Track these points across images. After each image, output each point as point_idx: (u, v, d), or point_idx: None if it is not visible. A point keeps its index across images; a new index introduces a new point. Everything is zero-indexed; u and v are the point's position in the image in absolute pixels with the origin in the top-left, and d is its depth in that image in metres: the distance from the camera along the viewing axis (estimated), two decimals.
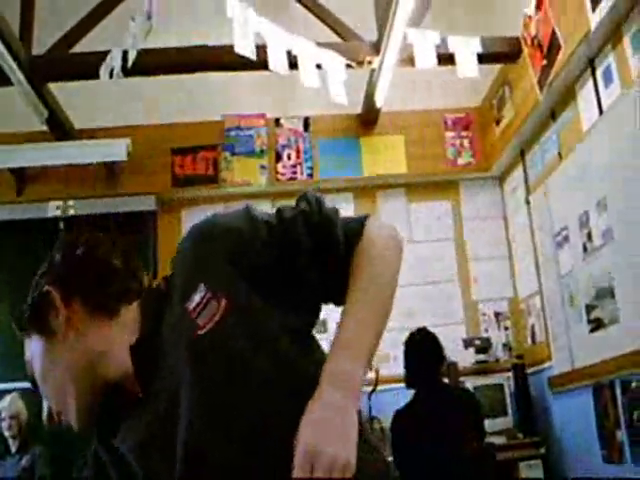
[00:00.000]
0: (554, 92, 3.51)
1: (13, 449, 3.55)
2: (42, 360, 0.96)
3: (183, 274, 0.93)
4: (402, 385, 3.06)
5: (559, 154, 3.68)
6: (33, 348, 0.97)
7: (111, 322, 0.95)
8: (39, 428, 3.62)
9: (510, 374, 4.07)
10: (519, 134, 4.02)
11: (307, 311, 0.95)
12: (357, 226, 0.94)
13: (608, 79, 3.13)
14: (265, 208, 4.23)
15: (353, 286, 0.90)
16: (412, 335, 3.05)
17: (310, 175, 4.50)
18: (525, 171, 4.22)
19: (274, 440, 0.83)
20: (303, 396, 0.81)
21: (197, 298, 0.88)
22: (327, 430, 0.76)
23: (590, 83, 3.29)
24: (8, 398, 3.59)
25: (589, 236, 3.27)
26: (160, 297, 0.95)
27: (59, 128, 4.16)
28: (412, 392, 2.98)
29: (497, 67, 4.21)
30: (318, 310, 0.98)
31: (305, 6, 3.97)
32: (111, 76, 3.19)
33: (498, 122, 4.29)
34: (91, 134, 4.29)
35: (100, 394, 0.95)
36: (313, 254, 0.91)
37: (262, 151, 4.52)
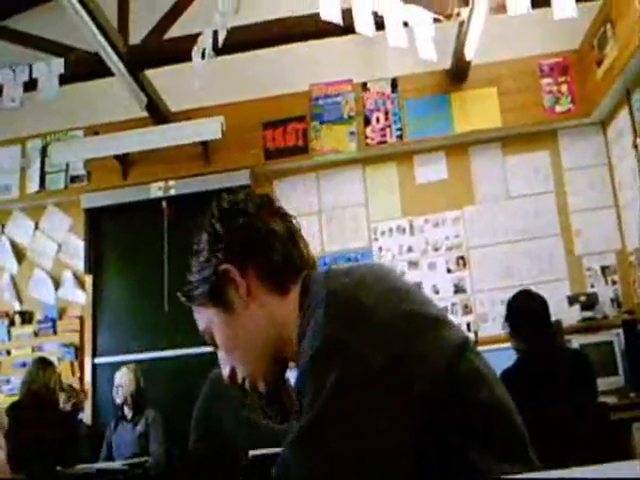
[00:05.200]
0: None
1: (129, 416, 3.89)
2: (224, 330, 0.97)
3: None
4: (502, 346, 3.00)
5: None
6: (210, 318, 0.98)
7: (284, 301, 0.94)
8: (146, 395, 3.92)
9: (620, 331, 3.89)
10: (624, 73, 3.75)
11: None
12: None
13: None
14: (356, 175, 4.22)
15: None
16: (516, 297, 2.89)
17: (400, 137, 4.45)
18: (632, 113, 3.94)
19: None
20: None
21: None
22: None
23: None
24: (123, 370, 3.92)
25: None
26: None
27: (157, 113, 4.38)
28: (513, 353, 2.90)
29: (596, 4, 3.91)
30: None
31: None
32: (203, 57, 3.30)
33: (599, 63, 4.02)
34: (186, 115, 4.48)
35: (284, 363, 0.97)
36: None
37: (350, 117, 4.51)
